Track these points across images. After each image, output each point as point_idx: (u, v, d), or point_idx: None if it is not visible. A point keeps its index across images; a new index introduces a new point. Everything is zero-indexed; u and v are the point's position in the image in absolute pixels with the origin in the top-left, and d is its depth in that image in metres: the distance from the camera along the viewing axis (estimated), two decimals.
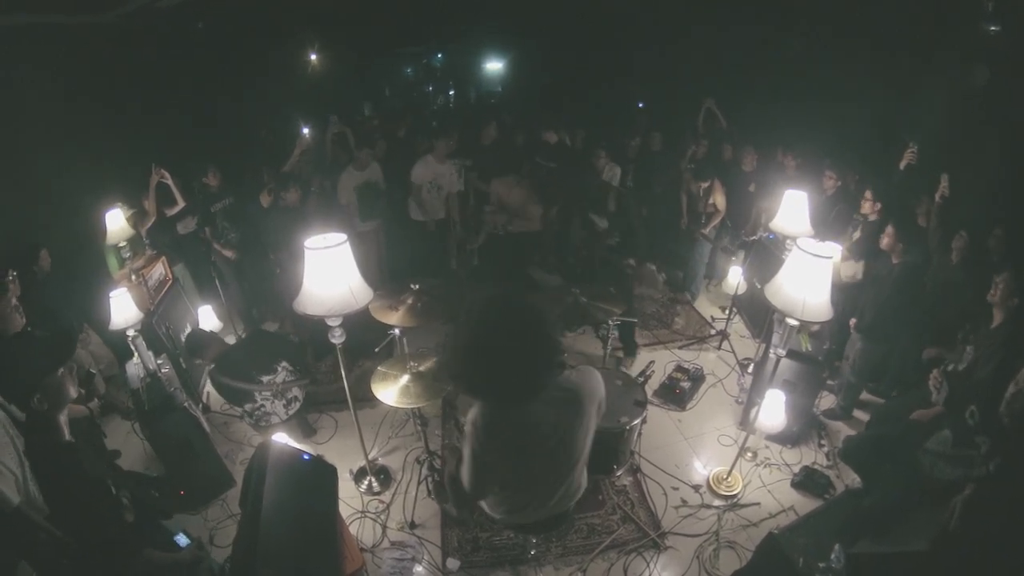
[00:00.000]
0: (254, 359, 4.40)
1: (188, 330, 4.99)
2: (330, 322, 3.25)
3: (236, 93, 7.36)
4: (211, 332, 4.95)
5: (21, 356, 3.47)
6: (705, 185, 6.03)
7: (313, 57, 8.43)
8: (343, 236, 3.08)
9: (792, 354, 4.44)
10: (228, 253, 5.75)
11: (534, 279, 6.18)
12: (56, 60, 5.23)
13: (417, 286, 3.90)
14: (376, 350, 4.13)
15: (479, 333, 2.01)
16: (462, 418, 3.07)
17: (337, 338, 3.36)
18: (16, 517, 2.35)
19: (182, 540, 3.14)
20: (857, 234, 4.90)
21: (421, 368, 3.59)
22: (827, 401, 5.10)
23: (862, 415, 4.88)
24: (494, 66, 11.94)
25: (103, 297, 4.14)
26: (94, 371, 4.56)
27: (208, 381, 4.83)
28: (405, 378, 3.53)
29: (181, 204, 5.57)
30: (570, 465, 2.41)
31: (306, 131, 5.64)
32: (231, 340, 5.50)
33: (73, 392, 2.77)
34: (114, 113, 5.81)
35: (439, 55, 12.35)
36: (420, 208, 6.32)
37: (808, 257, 3.07)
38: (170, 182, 5.33)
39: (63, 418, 2.71)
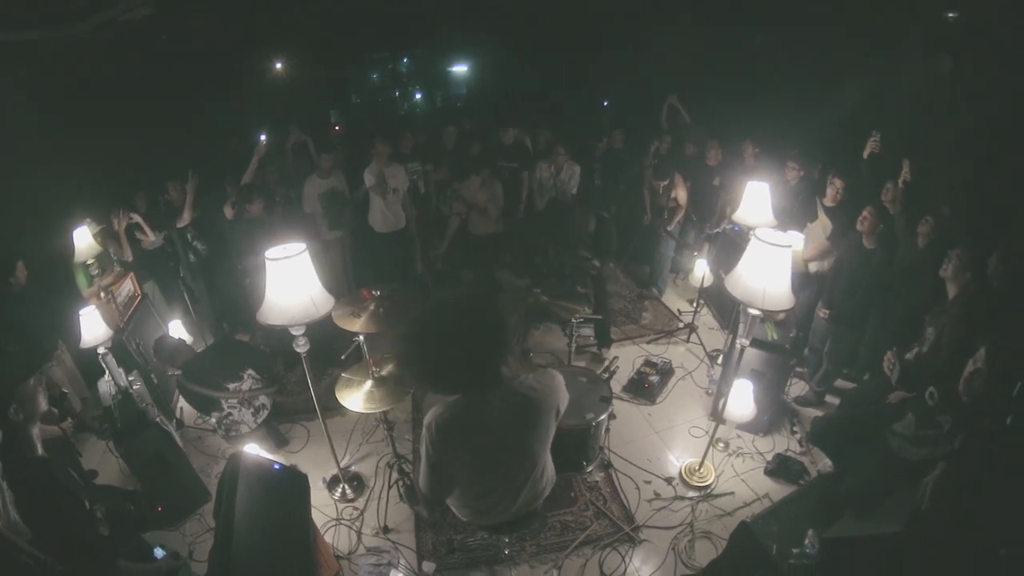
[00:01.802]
0: (220, 367, 4.46)
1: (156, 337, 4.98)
2: (294, 331, 3.27)
3: (202, 104, 7.34)
4: (179, 339, 4.97)
5: None
6: (664, 183, 6.10)
7: (279, 66, 8.42)
8: (302, 246, 3.10)
9: (758, 343, 4.50)
10: (200, 245, 5.73)
11: (499, 282, 6.23)
12: (19, 75, 5.19)
13: (378, 292, 3.91)
14: (343, 357, 4.14)
15: (421, 331, 2.17)
16: None
17: (301, 347, 3.39)
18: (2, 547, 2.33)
19: (159, 553, 3.15)
20: (826, 221, 4.95)
21: (383, 372, 3.60)
22: (797, 388, 5.16)
23: (834, 400, 4.93)
24: (459, 69, 11.97)
25: (74, 315, 4.14)
26: (66, 390, 4.53)
27: (179, 394, 4.84)
28: (368, 384, 3.54)
29: (152, 239, 5.54)
30: (531, 467, 2.45)
31: (263, 138, 5.60)
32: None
33: (44, 403, 2.77)
34: (80, 128, 5.76)
35: (405, 60, 12.36)
36: (382, 218, 6.20)
37: (766, 247, 3.11)
38: (140, 220, 5.31)
39: (35, 431, 2.71)
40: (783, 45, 6.76)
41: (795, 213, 5.23)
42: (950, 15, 5.67)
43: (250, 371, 4.46)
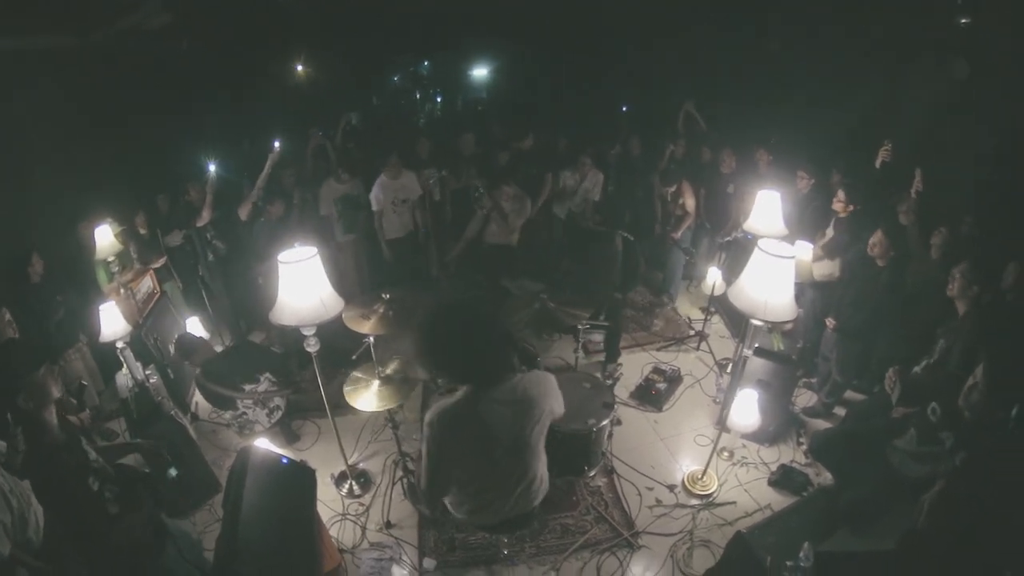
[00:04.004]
0: (238, 368, 4.59)
1: (178, 334, 5.12)
2: (304, 331, 3.35)
3: (222, 108, 7.48)
4: (200, 337, 5.10)
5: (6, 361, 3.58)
6: (671, 189, 6.10)
7: (299, 69, 8.57)
8: (314, 249, 3.18)
9: (764, 353, 4.50)
10: (220, 244, 5.87)
11: (508, 288, 6.27)
12: (45, 81, 5.33)
13: (387, 295, 3.99)
14: (354, 357, 4.22)
15: (428, 329, 2.38)
16: None
17: (312, 347, 3.47)
18: (9, 567, 2.40)
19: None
20: (830, 231, 4.95)
21: (388, 372, 3.68)
22: (806, 398, 5.13)
23: (842, 412, 4.85)
24: (479, 72, 12.00)
25: (93, 310, 4.29)
26: (86, 383, 4.66)
27: (195, 389, 4.97)
28: (375, 383, 3.63)
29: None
30: (524, 466, 2.55)
31: (277, 144, 5.71)
32: (219, 349, 5.61)
33: (57, 391, 2.86)
34: (102, 131, 5.91)
35: (425, 63, 12.45)
36: (389, 225, 6.33)
37: (768, 257, 3.12)
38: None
39: (50, 416, 2.80)
40: (797, 52, 6.71)
41: (806, 222, 5.22)
42: (963, 21, 5.60)
43: (267, 375, 4.60)
